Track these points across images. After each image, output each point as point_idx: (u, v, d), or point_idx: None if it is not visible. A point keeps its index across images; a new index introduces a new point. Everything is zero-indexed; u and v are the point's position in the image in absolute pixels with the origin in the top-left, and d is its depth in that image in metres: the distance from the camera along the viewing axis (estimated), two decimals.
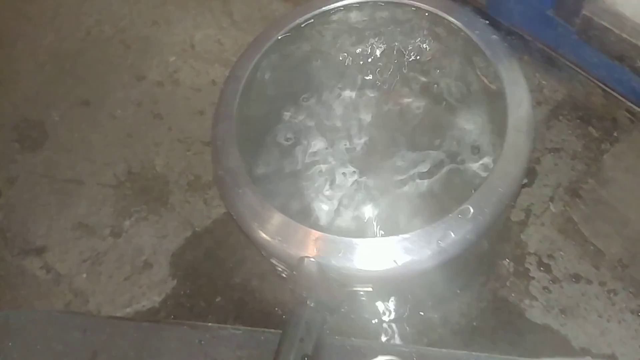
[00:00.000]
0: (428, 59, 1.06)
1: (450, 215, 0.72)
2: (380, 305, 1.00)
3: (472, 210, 0.72)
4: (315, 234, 0.73)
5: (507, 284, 1.08)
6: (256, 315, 1.12)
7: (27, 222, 1.30)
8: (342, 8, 0.95)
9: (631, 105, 1.13)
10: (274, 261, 0.80)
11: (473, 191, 0.75)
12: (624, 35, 0.99)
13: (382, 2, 0.95)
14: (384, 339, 1.07)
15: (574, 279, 1.07)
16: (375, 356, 0.72)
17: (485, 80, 0.92)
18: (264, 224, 0.76)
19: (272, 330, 0.75)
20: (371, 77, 1.14)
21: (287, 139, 1.10)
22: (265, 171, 1.05)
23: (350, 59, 1.10)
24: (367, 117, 1.12)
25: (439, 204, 1.02)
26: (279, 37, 0.93)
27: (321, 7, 0.95)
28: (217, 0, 1.55)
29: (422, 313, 1.08)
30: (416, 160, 1.06)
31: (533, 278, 1.08)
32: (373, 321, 1.08)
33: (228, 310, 1.13)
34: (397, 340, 1.07)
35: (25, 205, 1.33)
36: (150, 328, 0.79)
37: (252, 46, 0.93)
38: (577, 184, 1.15)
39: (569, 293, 1.07)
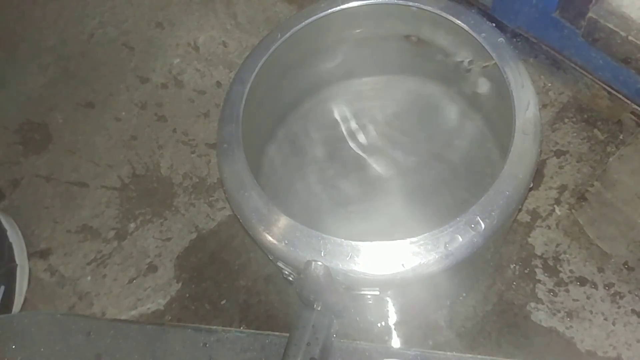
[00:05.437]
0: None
1: (457, 219, 0.72)
2: (386, 308, 1.00)
3: (479, 214, 0.72)
4: (322, 237, 0.73)
5: (513, 286, 1.08)
6: (261, 319, 1.12)
7: (31, 224, 1.30)
8: (346, 10, 0.95)
9: (636, 107, 1.13)
10: (280, 264, 0.80)
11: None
12: (630, 38, 0.98)
13: (388, 4, 0.95)
14: (389, 342, 1.07)
15: (579, 282, 1.07)
16: (381, 359, 0.72)
17: (492, 83, 0.92)
18: (270, 227, 0.76)
19: (277, 333, 0.75)
20: (377, 77, 1.14)
21: (293, 142, 1.10)
22: (271, 174, 1.05)
23: (356, 59, 1.10)
24: (374, 116, 1.12)
25: (447, 205, 1.02)
26: (284, 40, 0.93)
27: (326, 10, 0.94)
28: (220, 2, 1.55)
29: (427, 316, 1.07)
30: (424, 159, 1.06)
31: (539, 281, 1.08)
32: (379, 324, 1.07)
33: (233, 313, 1.13)
34: (402, 344, 1.07)
35: (29, 208, 1.33)
36: (155, 331, 0.79)
37: (257, 48, 0.93)
38: (583, 186, 1.15)
39: (574, 296, 1.07)
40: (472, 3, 1.24)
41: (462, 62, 0.98)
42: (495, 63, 0.84)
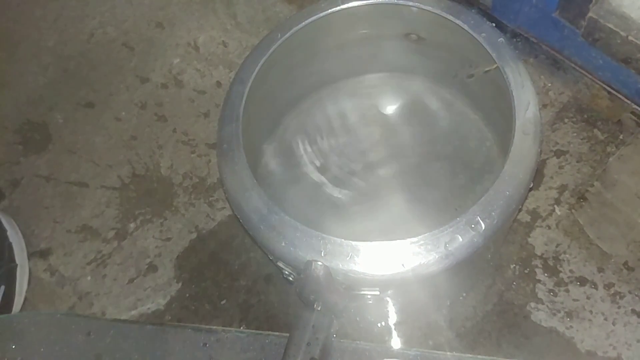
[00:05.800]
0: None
1: (457, 219, 0.72)
2: (386, 308, 1.00)
3: (479, 214, 0.72)
4: (322, 237, 0.73)
5: (513, 286, 1.08)
6: (261, 319, 1.12)
7: (30, 224, 1.30)
8: (346, 10, 0.95)
9: (637, 107, 1.13)
10: (280, 264, 0.80)
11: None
12: (630, 38, 0.98)
13: (388, 4, 0.95)
14: (389, 342, 1.07)
15: (579, 282, 1.07)
16: (381, 359, 0.72)
17: (492, 83, 0.92)
18: (270, 227, 0.76)
19: (277, 333, 0.75)
20: (377, 76, 1.14)
21: (293, 141, 1.10)
22: (271, 174, 1.05)
23: (355, 59, 1.10)
24: (374, 114, 1.12)
25: (448, 205, 1.02)
26: (284, 40, 0.93)
27: (326, 9, 0.94)
28: (220, 2, 1.55)
29: (427, 316, 1.07)
30: (425, 158, 1.06)
31: (539, 281, 1.08)
32: (379, 324, 1.07)
33: (233, 313, 1.13)
34: (402, 344, 1.07)
35: (29, 208, 1.32)
36: (155, 331, 0.79)
37: (257, 48, 0.93)
38: (583, 186, 1.14)
39: (574, 296, 1.07)
40: (472, 3, 1.24)
41: (463, 69, 0.98)
42: (497, 67, 0.84)
